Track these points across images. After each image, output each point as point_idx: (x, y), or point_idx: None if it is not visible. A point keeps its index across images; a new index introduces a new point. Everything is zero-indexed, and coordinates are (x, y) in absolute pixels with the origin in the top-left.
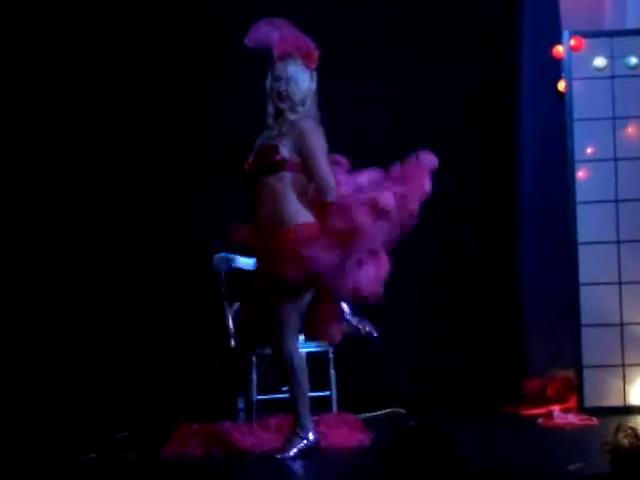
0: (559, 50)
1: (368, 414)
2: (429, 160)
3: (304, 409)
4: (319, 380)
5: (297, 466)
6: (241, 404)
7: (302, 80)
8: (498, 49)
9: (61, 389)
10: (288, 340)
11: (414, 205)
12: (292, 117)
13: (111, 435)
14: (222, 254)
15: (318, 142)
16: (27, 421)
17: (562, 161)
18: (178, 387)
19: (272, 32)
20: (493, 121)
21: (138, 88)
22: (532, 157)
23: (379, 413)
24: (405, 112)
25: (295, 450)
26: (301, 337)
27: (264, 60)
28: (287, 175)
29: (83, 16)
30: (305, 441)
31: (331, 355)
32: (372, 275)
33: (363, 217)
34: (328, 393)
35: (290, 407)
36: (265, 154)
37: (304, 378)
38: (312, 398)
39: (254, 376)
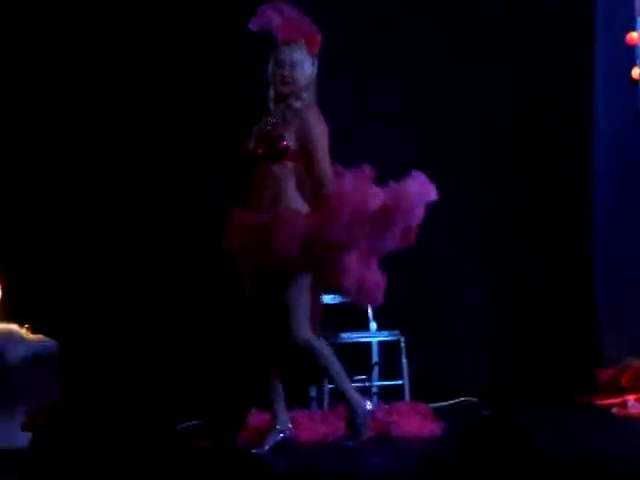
0: (633, 37)
1: (440, 403)
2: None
3: (348, 387)
4: (391, 369)
5: (368, 455)
6: (313, 392)
7: (306, 65)
8: (571, 38)
9: (136, 378)
10: (301, 327)
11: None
12: (297, 104)
13: (186, 423)
14: None
15: (322, 134)
16: (105, 412)
17: (637, 148)
18: (251, 375)
19: (276, 16)
20: (567, 110)
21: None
22: (606, 144)
23: (451, 402)
24: (477, 105)
25: (362, 434)
26: (373, 325)
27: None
28: (289, 164)
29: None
30: (362, 417)
31: (403, 344)
32: (377, 279)
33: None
34: (400, 382)
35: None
36: (270, 141)
37: (332, 357)
38: (384, 387)
39: None
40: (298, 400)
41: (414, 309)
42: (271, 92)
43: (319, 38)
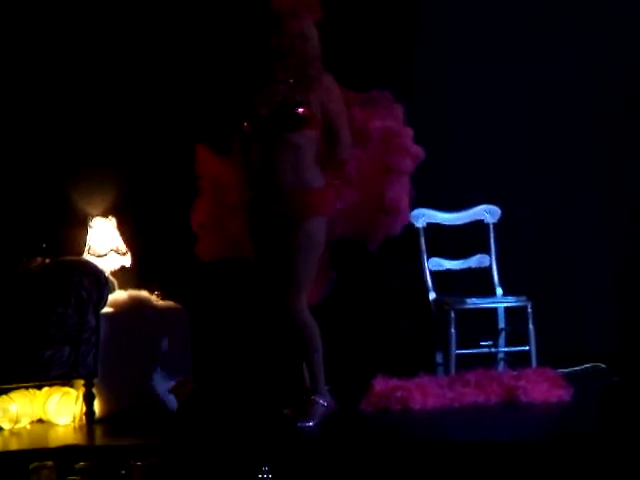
0: None
1: (567, 369)
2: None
3: (321, 377)
4: (518, 335)
5: (498, 419)
6: (439, 358)
7: (314, 35)
8: None
9: (262, 344)
10: (304, 303)
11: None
12: (313, 71)
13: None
14: (420, 209)
15: (342, 100)
16: (234, 377)
17: None
18: (376, 341)
19: None
20: None
21: None
22: None
23: (578, 368)
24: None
25: (316, 418)
26: (499, 291)
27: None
28: (311, 133)
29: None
30: (325, 404)
31: (530, 310)
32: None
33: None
34: (527, 348)
35: (488, 361)
36: (290, 108)
37: (319, 342)
38: (511, 353)
39: (453, 330)
40: (424, 366)
41: (541, 274)
42: (278, 64)
43: (319, 4)
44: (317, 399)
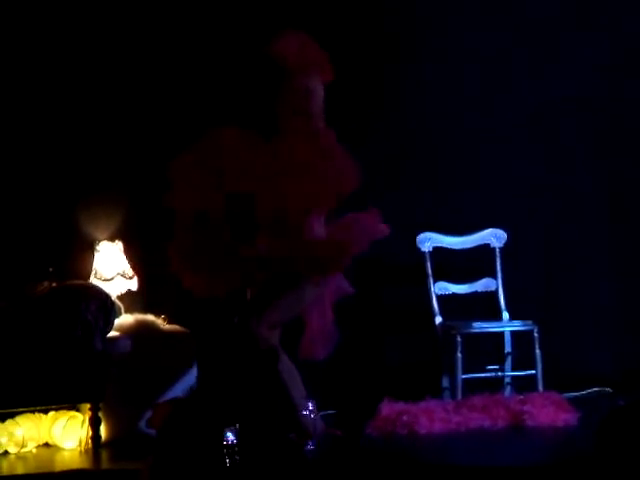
0: None
1: (574, 393)
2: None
3: (294, 390)
4: (524, 359)
5: (504, 443)
6: (446, 383)
7: (319, 93)
8: None
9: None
10: (266, 329)
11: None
12: (315, 130)
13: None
14: (426, 233)
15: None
16: (238, 399)
17: None
18: (383, 365)
19: (293, 43)
20: None
21: None
22: None
23: (585, 392)
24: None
25: (313, 436)
26: (506, 315)
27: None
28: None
29: None
30: (307, 421)
31: (536, 334)
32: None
33: None
34: (533, 372)
35: (495, 385)
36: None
37: (284, 363)
38: (517, 377)
39: (459, 355)
40: (430, 390)
41: (547, 298)
42: (281, 120)
43: (330, 65)
44: (301, 414)
